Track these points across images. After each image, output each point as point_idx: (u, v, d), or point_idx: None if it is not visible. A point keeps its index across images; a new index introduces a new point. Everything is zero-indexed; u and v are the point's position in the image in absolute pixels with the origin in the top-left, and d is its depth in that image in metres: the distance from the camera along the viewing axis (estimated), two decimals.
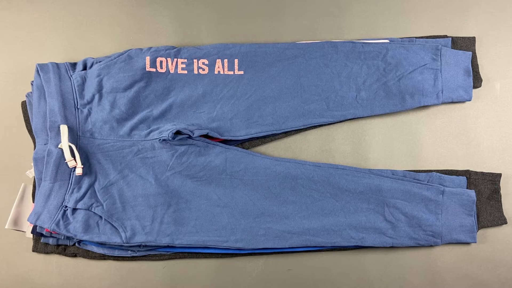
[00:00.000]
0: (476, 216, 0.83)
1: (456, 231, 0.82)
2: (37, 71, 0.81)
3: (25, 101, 0.86)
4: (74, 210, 0.79)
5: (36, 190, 0.81)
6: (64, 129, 0.78)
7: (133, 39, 0.91)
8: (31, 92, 0.84)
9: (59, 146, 0.78)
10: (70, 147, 0.78)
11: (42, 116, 0.80)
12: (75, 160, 0.78)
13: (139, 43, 0.91)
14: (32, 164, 0.82)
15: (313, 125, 0.86)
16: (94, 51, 0.90)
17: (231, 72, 0.84)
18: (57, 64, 0.83)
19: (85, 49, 0.91)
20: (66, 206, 0.78)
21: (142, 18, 0.92)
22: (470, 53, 0.86)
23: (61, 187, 0.79)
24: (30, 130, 0.86)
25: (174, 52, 0.84)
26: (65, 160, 0.78)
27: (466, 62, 0.85)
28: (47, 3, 0.92)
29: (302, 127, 0.86)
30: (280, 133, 0.86)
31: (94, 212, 0.79)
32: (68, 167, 0.78)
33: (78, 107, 0.81)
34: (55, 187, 0.79)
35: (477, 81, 0.87)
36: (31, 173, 0.82)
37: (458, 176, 0.84)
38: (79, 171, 0.78)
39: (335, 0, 0.91)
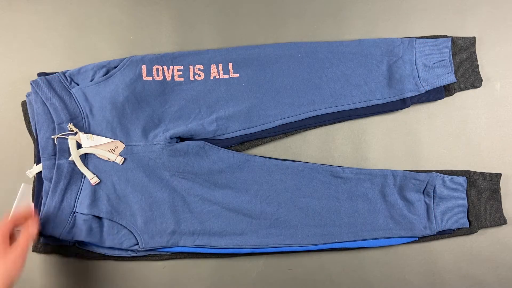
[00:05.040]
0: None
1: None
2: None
3: (25, 101, 0.86)
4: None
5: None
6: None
7: (133, 39, 0.91)
8: (31, 92, 0.85)
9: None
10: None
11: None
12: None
13: (139, 43, 0.91)
14: (34, 164, 0.82)
15: (312, 125, 0.86)
16: (94, 51, 0.90)
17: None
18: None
19: (85, 49, 0.91)
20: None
21: (142, 18, 0.92)
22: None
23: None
24: (30, 130, 0.86)
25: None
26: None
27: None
28: (47, 3, 0.92)
29: (301, 127, 0.86)
30: (280, 133, 0.86)
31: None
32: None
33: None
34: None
35: (477, 81, 0.87)
36: (31, 173, 0.82)
37: (458, 176, 0.84)
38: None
39: (335, 0, 0.91)
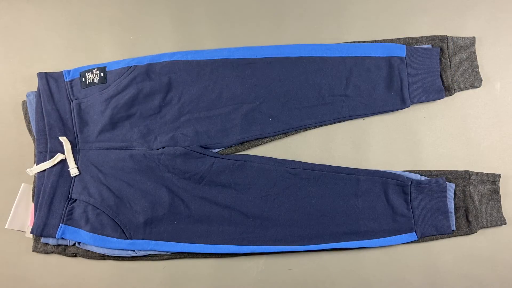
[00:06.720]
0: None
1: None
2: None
3: (25, 101, 0.86)
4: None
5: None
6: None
7: (133, 39, 0.91)
8: (31, 92, 0.85)
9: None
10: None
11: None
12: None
13: (139, 43, 0.91)
14: (34, 164, 0.83)
15: (312, 125, 0.86)
16: (94, 51, 0.91)
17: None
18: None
19: (85, 49, 0.91)
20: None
21: (142, 18, 0.92)
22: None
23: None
24: (30, 130, 0.87)
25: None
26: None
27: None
28: (47, 3, 0.92)
29: (301, 127, 0.86)
30: (280, 133, 0.86)
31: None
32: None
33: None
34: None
35: (477, 81, 0.87)
36: (31, 171, 0.82)
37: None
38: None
39: (335, 0, 0.91)
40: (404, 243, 0.84)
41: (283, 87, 0.85)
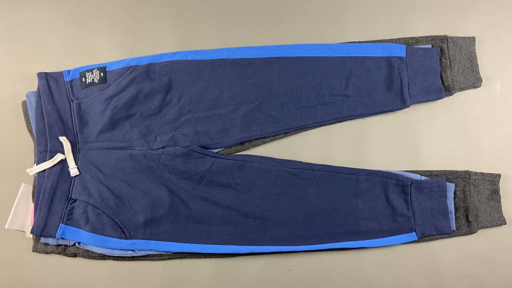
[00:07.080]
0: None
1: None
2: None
3: (25, 101, 0.86)
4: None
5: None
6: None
7: (133, 39, 0.91)
8: (31, 92, 0.85)
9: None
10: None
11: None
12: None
13: (139, 43, 0.91)
14: (34, 164, 0.83)
15: (312, 125, 0.86)
16: (94, 51, 0.91)
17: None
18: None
19: (85, 49, 0.91)
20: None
21: (142, 18, 0.92)
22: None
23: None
24: (30, 130, 0.87)
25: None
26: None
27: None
28: (47, 3, 0.92)
29: (301, 127, 0.86)
30: (280, 133, 0.86)
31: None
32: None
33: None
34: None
35: (477, 81, 0.87)
36: (31, 171, 0.82)
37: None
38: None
39: (335, 0, 0.91)
40: (404, 243, 0.84)
41: (283, 87, 0.85)
